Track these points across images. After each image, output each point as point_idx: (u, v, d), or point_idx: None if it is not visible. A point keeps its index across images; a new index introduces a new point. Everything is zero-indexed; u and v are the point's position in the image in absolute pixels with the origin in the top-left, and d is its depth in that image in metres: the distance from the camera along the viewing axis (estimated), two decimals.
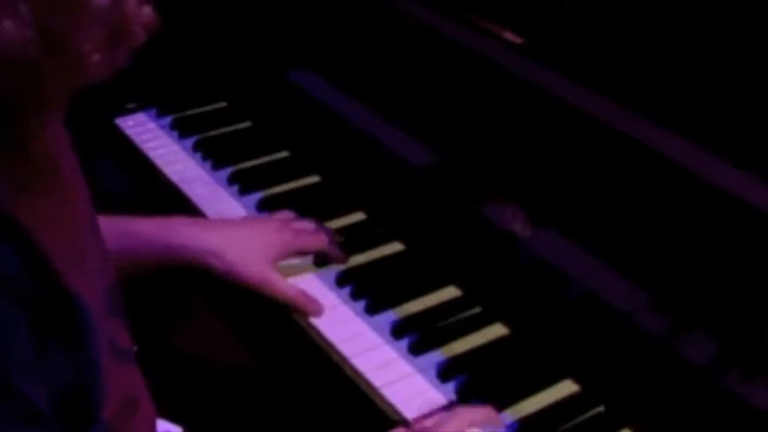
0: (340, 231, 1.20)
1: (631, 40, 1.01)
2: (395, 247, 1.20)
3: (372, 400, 0.99)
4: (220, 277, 1.05)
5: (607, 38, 1.03)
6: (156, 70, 1.42)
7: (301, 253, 1.13)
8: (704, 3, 0.98)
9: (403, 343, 1.04)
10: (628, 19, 1.03)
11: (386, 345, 1.05)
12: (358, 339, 1.05)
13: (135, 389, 0.77)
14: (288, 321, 1.08)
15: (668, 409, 0.93)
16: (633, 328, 0.97)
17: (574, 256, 1.03)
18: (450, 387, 1.00)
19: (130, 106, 1.45)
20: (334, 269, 1.14)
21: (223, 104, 1.50)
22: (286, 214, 1.18)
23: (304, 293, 1.08)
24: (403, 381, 1.00)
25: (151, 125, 1.43)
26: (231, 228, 1.10)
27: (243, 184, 1.29)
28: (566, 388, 1.01)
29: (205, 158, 1.35)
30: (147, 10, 0.62)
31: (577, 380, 1.01)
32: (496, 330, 1.08)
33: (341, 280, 1.12)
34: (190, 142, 1.39)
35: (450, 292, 1.12)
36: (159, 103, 1.46)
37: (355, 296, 1.10)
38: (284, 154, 1.38)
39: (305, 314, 1.07)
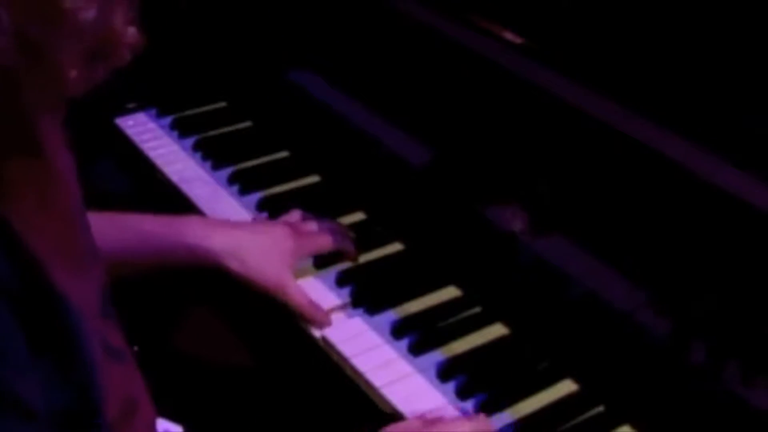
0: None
1: (631, 40, 1.01)
2: (395, 247, 1.20)
3: (372, 400, 0.99)
4: (234, 279, 1.05)
5: (607, 38, 1.03)
6: (156, 70, 1.42)
7: (318, 253, 1.13)
8: (704, 3, 0.98)
9: (403, 343, 1.04)
10: (628, 19, 1.03)
11: (386, 345, 1.05)
12: (358, 339, 1.05)
13: (134, 390, 0.77)
14: (288, 321, 1.08)
15: (668, 409, 0.93)
16: (633, 328, 0.97)
17: (574, 256, 1.03)
18: (450, 387, 1.00)
19: (130, 106, 1.45)
20: (334, 269, 1.14)
21: (223, 104, 1.50)
22: (295, 215, 1.18)
23: (314, 304, 1.07)
24: (403, 381, 1.00)
25: (151, 125, 1.43)
26: (246, 231, 1.10)
27: (243, 184, 1.29)
28: (566, 387, 1.01)
29: (205, 158, 1.35)
30: (132, 31, 0.60)
31: (576, 380, 1.01)
32: (496, 330, 1.08)
33: (341, 281, 1.12)
34: (190, 142, 1.39)
35: (450, 292, 1.12)
36: (159, 103, 1.46)
37: (355, 296, 1.10)
38: (284, 154, 1.38)
39: (313, 324, 1.07)
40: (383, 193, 1.26)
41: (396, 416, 0.97)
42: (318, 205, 1.25)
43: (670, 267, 0.93)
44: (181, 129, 1.41)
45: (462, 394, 0.99)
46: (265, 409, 1.09)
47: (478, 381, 1.00)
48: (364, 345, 1.04)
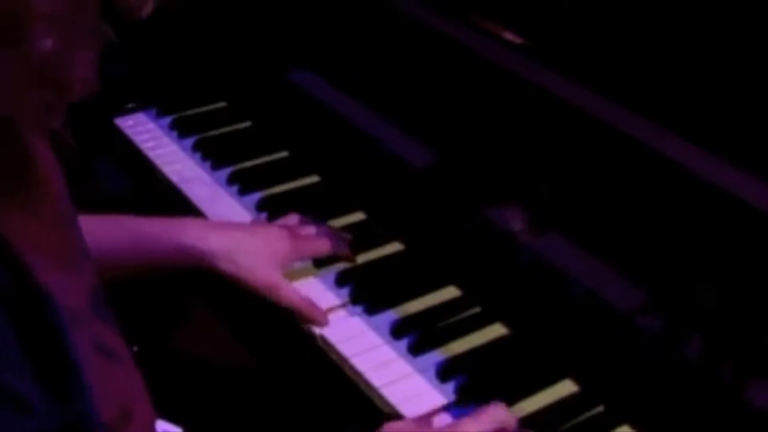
0: (343, 229, 1.20)
1: (631, 40, 1.01)
2: (395, 247, 1.20)
3: (371, 400, 0.99)
4: (227, 280, 1.05)
5: (607, 38, 1.03)
6: (156, 70, 1.42)
7: (313, 257, 1.13)
8: (704, 3, 0.98)
9: (403, 343, 1.04)
10: (628, 19, 1.03)
11: (386, 345, 1.05)
12: (357, 339, 1.05)
13: (132, 391, 0.76)
14: (287, 321, 1.08)
15: (668, 409, 0.93)
16: (633, 328, 0.97)
17: (574, 256, 1.03)
18: (450, 387, 1.00)
19: (130, 106, 1.45)
20: (334, 269, 1.14)
21: (222, 104, 1.50)
22: (293, 219, 1.18)
23: (310, 302, 1.07)
24: (403, 381, 1.00)
25: (151, 125, 1.43)
26: (239, 232, 1.09)
27: (243, 184, 1.29)
28: (566, 388, 1.01)
29: (204, 158, 1.35)
30: (91, 73, 0.59)
31: (577, 380, 1.01)
32: (496, 330, 1.08)
33: (341, 280, 1.12)
34: (189, 142, 1.39)
35: (450, 292, 1.12)
36: (159, 103, 1.46)
37: (354, 296, 1.10)
38: (284, 154, 1.38)
39: (310, 323, 1.07)
40: (383, 193, 1.26)
41: (392, 416, 0.97)
42: (318, 205, 1.25)
43: (670, 267, 0.93)
44: (181, 129, 1.41)
45: (462, 394, 0.99)
46: (264, 409, 1.09)
47: (477, 381, 1.00)
48: (363, 345, 1.04)
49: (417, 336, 1.04)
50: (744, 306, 0.87)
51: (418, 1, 1.18)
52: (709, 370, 0.90)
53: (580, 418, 0.97)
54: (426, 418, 0.95)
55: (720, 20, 0.96)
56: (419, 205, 1.20)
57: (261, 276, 1.05)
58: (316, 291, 1.10)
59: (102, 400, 0.66)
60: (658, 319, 0.95)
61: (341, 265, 1.15)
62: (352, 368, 1.02)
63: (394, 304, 1.09)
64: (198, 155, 1.36)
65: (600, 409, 0.98)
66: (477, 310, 1.10)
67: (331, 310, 1.08)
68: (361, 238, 1.19)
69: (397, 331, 1.05)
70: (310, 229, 1.15)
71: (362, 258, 1.17)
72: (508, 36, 1.08)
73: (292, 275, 1.11)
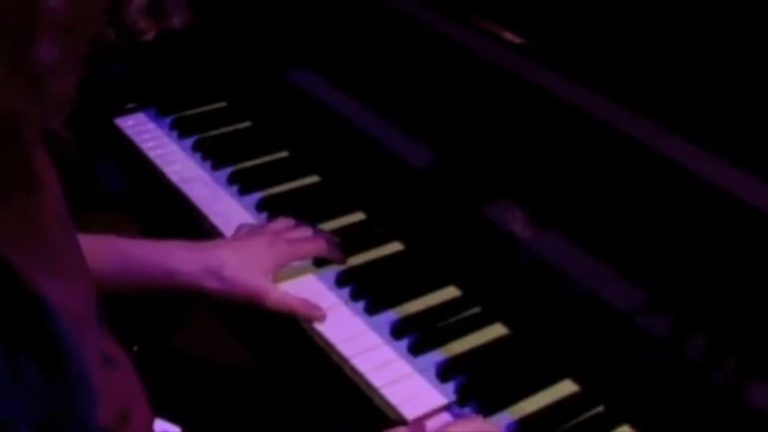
0: (340, 231, 1.20)
1: (631, 40, 1.01)
2: (395, 247, 1.20)
3: (372, 400, 0.99)
4: (216, 298, 1.05)
5: (607, 38, 1.03)
6: (156, 70, 1.42)
7: (297, 261, 1.13)
8: (704, 3, 0.98)
9: (403, 343, 1.04)
10: (628, 19, 1.03)
11: (386, 345, 1.05)
12: (357, 339, 1.05)
13: (129, 395, 0.76)
14: (287, 321, 1.08)
15: (668, 409, 0.93)
16: (633, 327, 0.97)
17: (574, 256, 1.03)
18: (450, 387, 1.00)
19: (130, 106, 1.45)
20: (334, 269, 1.14)
21: (222, 104, 1.50)
22: (283, 222, 1.17)
23: (303, 300, 1.07)
24: (403, 381, 1.00)
25: (151, 125, 1.43)
26: (222, 249, 1.09)
27: (242, 184, 1.29)
28: (566, 388, 1.01)
29: (204, 158, 1.35)
30: (71, 94, 0.60)
31: (577, 380, 1.01)
32: (496, 330, 1.08)
33: (341, 280, 1.12)
34: (189, 142, 1.39)
35: (450, 292, 1.12)
36: (159, 103, 1.46)
37: (354, 296, 1.10)
38: (284, 154, 1.38)
39: (308, 321, 1.07)
40: (383, 193, 1.26)
41: (392, 416, 0.97)
42: (318, 205, 1.25)
43: (670, 267, 0.93)
44: (181, 129, 1.41)
45: (462, 394, 0.99)
46: (264, 409, 1.09)
47: (478, 381, 1.00)
48: (363, 345, 1.04)
49: (417, 336, 1.04)
50: (744, 306, 0.87)
51: (418, 1, 1.18)
52: (709, 370, 0.90)
53: (580, 418, 0.97)
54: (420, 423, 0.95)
55: (719, 20, 0.96)
56: (419, 205, 1.20)
57: (247, 286, 1.06)
58: (316, 291, 1.10)
59: (101, 404, 0.66)
60: (658, 319, 0.95)
61: (341, 265, 1.15)
62: (352, 368, 1.02)
63: (394, 304, 1.09)
64: (198, 155, 1.36)
65: (600, 409, 0.98)
66: (477, 310, 1.10)
67: (331, 310, 1.08)
68: (361, 238, 1.19)
69: (397, 331, 1.05)
70: (300, 232, 1.15)
71: (362, 258, 1.17)
72: (508, 36, 1.08)
73: (292, 275, 1.11)
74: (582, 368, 1.01)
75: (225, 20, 1.48)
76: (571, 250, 1.03)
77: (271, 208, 1.25)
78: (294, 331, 1.08)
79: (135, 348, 1.04)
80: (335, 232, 1.19)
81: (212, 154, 1.35)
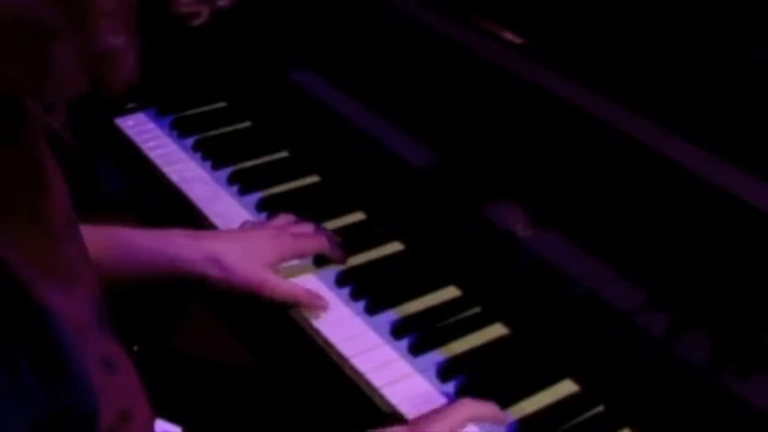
0: (340, 231, 1.20)
1: (631, 40, 1.01)
2: (395, 247, 1.20)
3: (372, 400, 0.99)
4: (217, 286, 1.05)
5: (607, 38, 1.03)
6: (156, 70, 1.42)
7: (299, 256, 1.13)
8: (703, 3, 0.98)
9: (403, 343, 1.04)
10: (628, 19, 1.03)
11: (386, 345, 1.05)
12: (357, 339, 1.05)
13: (129, 395, 0.76)
14: (287, 321, 1.08)
15: (668, 409, 0.93)
16: (633, 327, 0.97)
17: (574, 256, 1.03)
18: (450, 387, 1.00)
19: (130, 106, 1.45)
20: (334, 269, 1.14)
21: (222, 104, 1.50)
22: (285, 219, 1.18)
23: (304, 289, 1.08)
24: (403, 381, 1.00)
25: (151, 125, 1.43)
26: (228, 238, 1.10)
27: (243, 184, 1.29)
28: (566, 388, 1.01)
29: (204, 158, 1.35)
30: (134, 73, 0.61)
31: (577, 380, 1.01)
32: (496, 330, 1.08)
33: (341, 280, 1.12)
34: (189, 142, 1.39)
35: (450, 292, 1.12)
36: (159, 103, 1.46)
37: (354, 296, 1.10)
38: (284, 154, 1.38)
39: (311, 310, 1.07)
40: (383, 193, 1.26)
41: (393, 416, 0.97)
42: (318, 205, 1.25)
43: (670, 267, 0.93)
44: (181, 129, 1.41)
45: (462, 394, 0.98)
46: (264, 409, 1.09)
47: (478, 381, 1.00)
48: (363, 345, 1.04)
49: (417, 336, 1.04)
50: (744, 306, 0.87)
51: (418, 1, 1.18)
52: (709, 370, 0.90)
53: (580, 418, 0.97)
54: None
55: (719, 20, 0.96)
56: (419, 205, 1.20)
57: (248, 275, 1.06)
58: (316, 290, 1.10)
59: (102, 409, 0.65)
60: (658, 319, 0.95)
61: (341, 265, 1.15)
62: (352, 368, 1.02)
63: (394, 304, 1.09)
64: (198, 155, 1.36)
65: (600, 409, 0.98)
66: (477, 310, 1.10)
67: (331, 309, 1.08)
68: (361, 238, 1.19)
69: (398, 331, 1.05)
70: (301, 228, 1.15)
71: (362, 258, 1.17)
72: (508, 36, 1.08)
73: (292, 274, 1.11)
74: (582, 368, 1.01)
75: (225, 20, 1.48)
76: (571, 250, 1.03)
77: (271, 208, 1.25)
78: (294, 330, 1.08)
79: (135, 348, 1.04)
80: (335, 232, 1.19)
81: (212, 154, 1.35)
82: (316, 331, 1.06)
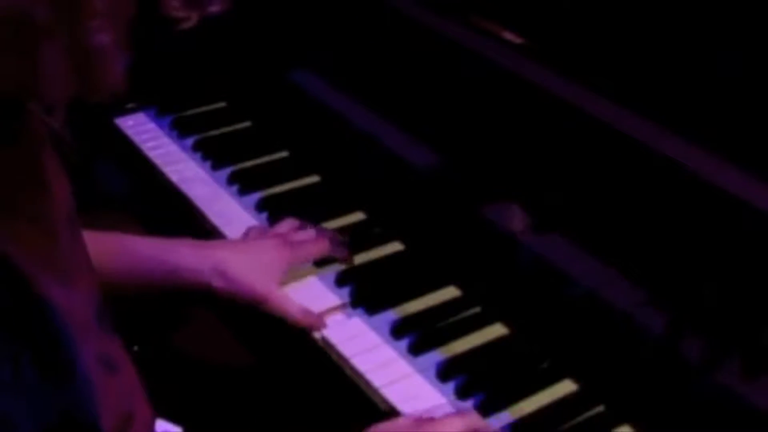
0: (340, 231, 1.20)
1: (631, 40, 1.01)
2: (395, 247, 1.20)
3: (372, 400, 0.99)
4: (221, 296, 1.05)
5: (607, 38, 1.03)
6: (156, 70, 1.42)
7: (303, 262, 1.13)
8: (704, 3, 0.98)
9: (403, 343, 1.04)
10: (628, 19, 1.03)
11: (386, 345, 1.05)
12: (357, 339, 1.05)
13: (130, 396, 0.76)
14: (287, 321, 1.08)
15: (668, 409, 0.93)
16: (633, 327, 0.97)
17: (574, 256, 1.03)
18: (450, 387, 1.00)
19: (130, 105, 1.45)
20: (334, 270, 1.14)
21: (222, 104, 1.50)
22: (288, 224, 1.17)
23: (305, 310, 1.07)
24: (403, 381, 1.00)
25: (151, 125, 1.43)
26: (231, 248, 1.10)
27: (242, 184, 1.29)
28: (566, 387, 1.01)
29: (204, 158, 1.35)
30: (121, 78, 0.61)
31: (576, 380, 1.01)
32: (496, 330, 1.08)
33: (341, 280, 1.12)
34: (189, 142, 1.39)
35: (450, 292, 1.12)
36: (159, 103, 1.46)
37: (354, 296, 1.10)
38: (284, 154, 1.38)
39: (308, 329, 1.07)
40: (383, 193, 1.26)
41: (392, 416, 0.97)
42: (318, 205, 1.25)
43: (670, 267, 0.93)
44: (181, 129, 1.41)
45: (462, 394, 0.99)
46: (264, 409, 1.09)
47: (477, 381, 1.00)
48: (363, 345, 1.04)
49: (417, 336, 1.04)
50: (744, 306, 0.87)
51: (418, 1, 1.18)
52: (709, 370, 0.90)
53: (580, 418, 0.97)
54: (421, 418, 0.95)
55: (719, 20, 0.96)
56: (419, 205, 1.20)
57: (253, 288, 1.05)
58: (316, 291, 1.10)
59: (103, 410, 0.65)
60: (658, 319, 0.95)
61: (341, 265, 1.15)
62: (352, 368, 1.02)
63: (394, 304, 1.09)
64: (198, 155, 1.36)
65: (600, 409, 0.98)
66: (477, 310, 1.10)
67: (331, 310, 1.08)
68: (361, 238, 1.19)
69: (397, 331, 1.05)
70: (305, 234, 1.15)
71: (362, 258, 1.17)
72: (508, 36, 1.08)
73: (293, 275, 1.11)
74: (582, 368, 1.01)
75: (225, 20, 1.48)
76: (571, 250, 1.03)
77: (271, 208, 1.25)
78: (294, 331, 1.08)
79: (135, 348, 1.04)
80: (338, 232, 1.19)
81: (212, 154, 1.35)
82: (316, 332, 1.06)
